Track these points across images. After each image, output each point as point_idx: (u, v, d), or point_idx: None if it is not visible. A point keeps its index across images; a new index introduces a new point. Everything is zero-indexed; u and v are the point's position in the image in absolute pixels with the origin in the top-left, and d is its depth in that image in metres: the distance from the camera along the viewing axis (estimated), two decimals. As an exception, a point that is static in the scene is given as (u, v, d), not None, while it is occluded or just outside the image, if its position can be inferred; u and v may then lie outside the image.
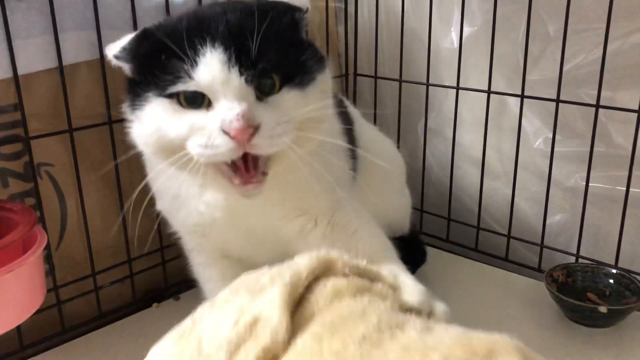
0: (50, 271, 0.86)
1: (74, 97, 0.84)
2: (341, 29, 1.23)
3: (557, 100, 0.94)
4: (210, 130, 0.56)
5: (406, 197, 1.00)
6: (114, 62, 0.63)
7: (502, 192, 1.13)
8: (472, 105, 1.11)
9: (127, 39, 0.62)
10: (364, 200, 0.88)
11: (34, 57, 0.80)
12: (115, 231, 0.93)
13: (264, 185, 0.60)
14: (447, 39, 1.13)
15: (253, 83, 0.57)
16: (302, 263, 0.47)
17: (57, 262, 0.87)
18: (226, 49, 0.56)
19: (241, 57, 0.56)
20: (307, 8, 0.64)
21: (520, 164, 1.04)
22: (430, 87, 1.11)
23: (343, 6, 1.22)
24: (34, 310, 0.70)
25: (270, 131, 0.56)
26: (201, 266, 0.81)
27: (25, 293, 0.68)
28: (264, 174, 0.60)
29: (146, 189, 0.95)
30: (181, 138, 0.58)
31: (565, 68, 0.93)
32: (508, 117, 1.09)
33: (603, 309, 0.84)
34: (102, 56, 0.85)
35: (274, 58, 0.58)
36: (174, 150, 0.59)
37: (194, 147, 0.57)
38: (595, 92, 0.91)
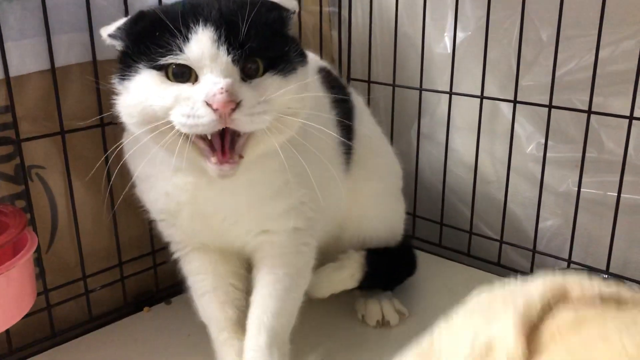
0: (40, 274, 0.85)
1: (65, 99, 0.84)
2: (335, 34, 1.23)
3: (550, 106, 0.95)
4: (194, 101, 0.59)
5: (400, 204, 1.00)
6: (108, 41, 0.66)
7: (494, 197, 1.13)
8: (465, 110, 1.11)
9: (122, 20, 0.65)
10: (355, 199, 0.88)
11: (25, 58, 0.79)
12: (107, 234, 0.93)
13: (238, 168, 0.63)
14: (441, 44, 1.13)
15: (239, 63, 0.60)
16: (536, 291, 0.44)
17: (48, 265, 0.87)
18: (217, 28, 0.60)
19: (230, 38, 0.60)
20: (295, 10, 0.67)
21: (513, 168, 1.04)
22: (423, 92, 1.12)
23: (337, 11, 1.22)
24: (24, 314, 0.70)
25: (251, 108, 0.59)
26: (181, 259, 0.82)
27: (15, 296, 0.67)
28: (240, 156, 0.63)
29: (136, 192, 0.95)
30: (166, 108, 0.61)
31: (557, 74, 0.93)
32: (500, 122, 1.09)
33: (594, 314, 0.84)
34: (94, 58, 0.85)
35: (260, 43, 0.62)
36: (157, 120, 0.61)
37: (177, 116, 0.60)
38: (587, 98, 0.91)
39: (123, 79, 0.64)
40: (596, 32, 0.87)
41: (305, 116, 0.67)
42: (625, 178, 0.90)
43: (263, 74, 0.62)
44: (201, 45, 0.60)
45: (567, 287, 0.44)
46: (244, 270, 0.82)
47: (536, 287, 0.45)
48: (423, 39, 1.09)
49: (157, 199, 0.74)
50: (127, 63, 0.64)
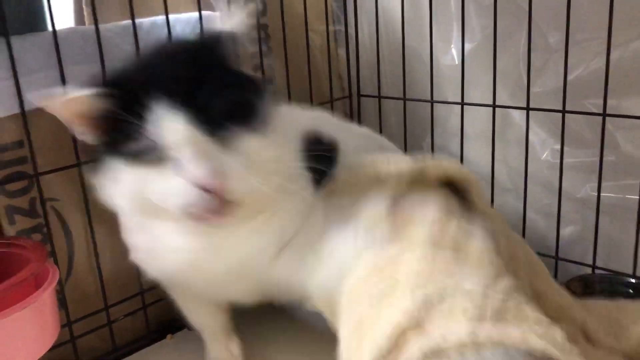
0: (62, 306, 0.85)
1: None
2: (341, 52, 1.24)
3: (563, 111, 0.94)
4: (188, 193, 0.57)
5: None
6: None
7: (511, 205, 1.12)
8: (475, 120, 1.11)
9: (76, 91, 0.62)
10: None
11: (35, 93, 0.80)
12: (125, 263, 0.93)
13: (235, 215, 0.61)
14: (448, 55, 1.13)
15: (212, 133, 0.58)
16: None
17: (67, 297, 0.87)
18: (186, 107, 0.57)
19: (199, 115, 0.58)
20: (239, 30, 0.65)
21: (529, 176, 1.04)
22: (434, 105, 1.11)
23: (343, 29, 1.23)
24: (48, 347, 0.69)
25: (239, 178, 0.58)
26: (192, 314, 0.84)
27: (39, 329, 0.67)
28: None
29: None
30: (162, 200, 0.60)
31: (567, 79, 0.93)
32: (512, 130, 1.09)
33: (624, 318, 0.82)
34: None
35: (226, 105, 0.60)
36: (154, 206, 0.61)
37: (175, 208, 0.59)
38: (599, 101, 0.91)
39: (101, 173, 0.64)
40: (603, 35, 0.87)
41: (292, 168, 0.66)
42: (644, 179, 0.90)
43: (236, 133, 0.60)
44: (174, 131, 0.57)
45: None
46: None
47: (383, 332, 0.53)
48: (431, 51, 1.09)
49: (160, 264, 0.72)
50: (100, 157, 0.63)
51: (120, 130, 0.59)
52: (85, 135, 0.64)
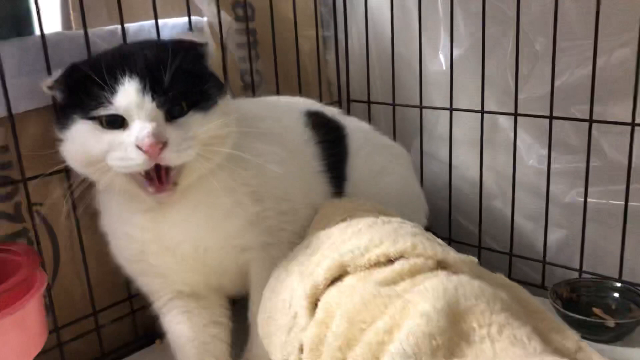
0: (50, 312, 0.85)
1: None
2: (330, 57, 1.25)
3: (551, 117, 0.95)
4: (126, 145, 0.66)
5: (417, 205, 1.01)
6: (48, 92, 0.74)
7: (499, 211, 1.13)
8: (463, 126, 1.12)
9: (58, 73, 0.72)
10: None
11: (22, 97, 0.79)
12: (113, 268, 0.92)
13: (174, 194, 0.70)
14: (436, 61, 1.14)
15: (164, 107, 0.67)
16: (320, 273, 0.64)
17: (54, 302, 0.86)
18: (141, 79, 0.66)
19: (155, 86, 0.66)
20: (207, 42, 0.75)
21: (516, 182, 1.04)
22: (422, 110, 1.12)
23: (332, 35, 1.23)
24: (36, 353, 0.69)
25: (177, 146, 0.66)
26: (160, 311, 0.84)
27: (26, 336, 0.67)
28: (175, 184, 0.70)
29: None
30: (102, 153, 0.67)
31: (554, 85, 0.94)
32: (499, 136, 1.10)
33: (610, 323, 0.83)
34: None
35: (182, 87, 0.68)
36: (96, 164, 0.69)
37: (112, 160, 0.67)
38: (585, 107, 0.92)
39: (62, 129, 0.71)
40: (589, 41, 0.88)
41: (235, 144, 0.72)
42: (631, 185, 0.90)
43: (187, 112, 0.69)
44: (127, 96, 0.66)
45: (343, 263, 0.63)
46: (227, 320, 0.84)
47: (319, 273, 0.64)
48: (420, 57, 1.10)
49: (120, 246, 0.79)
50: (65, 114, 0.71)
51: (89, 94, 0.67)
52: (60, 97, 0.73)
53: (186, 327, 0.81)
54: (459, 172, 1.15)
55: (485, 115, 1.04)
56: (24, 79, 0.79)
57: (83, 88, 0.68)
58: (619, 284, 0.92)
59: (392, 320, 0.54)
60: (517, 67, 0.97)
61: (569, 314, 0.86)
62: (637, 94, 0.86)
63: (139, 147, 0.65)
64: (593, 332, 0.85)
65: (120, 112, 0.66)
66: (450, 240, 1.15)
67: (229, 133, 0.72)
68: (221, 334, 0.83)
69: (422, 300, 0.55)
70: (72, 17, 0.98)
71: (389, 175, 0.97)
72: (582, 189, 0.96)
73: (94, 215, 0.89)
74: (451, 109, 1.07)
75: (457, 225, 1.17)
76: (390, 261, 0.62)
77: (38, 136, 0.82)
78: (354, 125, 0.97)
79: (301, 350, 0.62)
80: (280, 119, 0.87)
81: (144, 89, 0.66)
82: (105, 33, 0.87)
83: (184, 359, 0.81)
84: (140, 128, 0.65)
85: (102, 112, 0.67)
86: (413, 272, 0.60)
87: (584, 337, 0.85)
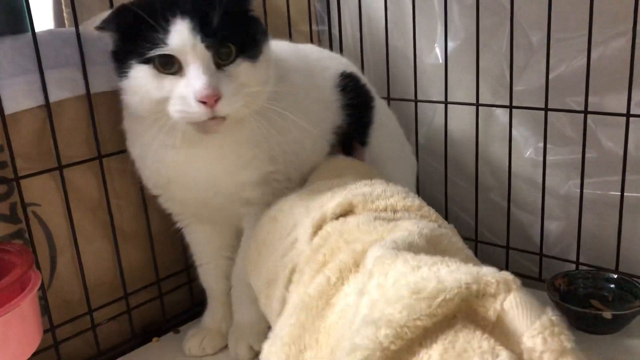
0: (45, 311, 0.84)
1: (58, 135, 0.83)
2: (326, 52, 1.24)
3: (546, 109, 0.95)
4: (186, 98, 0.68)
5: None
6: (96, 33, 0.74)
7: (496, 203, 1.13)
8: (460, 119, 1.11)
9: (105, 13, 0.72)
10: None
11: (16, 96, 0.79)
12: (109, 267, 0.92)
13: (222, 125, 0.72)
14: (432, 54, 1.14)
15: (213, 49, 0.69)
16: (329, 207, 0.68)
17: (50, 302, 0.86)
18: (192, 19, 0.68)
19: (204, 27, 0.68)
20: None
21: (513, 174, 1.04)
22: (417, 103, 1.12)
23: (327, 29, 1.23)
24: (31, 352, 0.69)
25: (229, 99, 0.69)
26: (183, 230, 0.92)
27: (21, 335, 0.66)
28: (223, 118, 0.72)
29: (139, 221, 0.95)
30: (163, 100, 0.70)
31: (549, 77, 0.94)
32: (496, 128, 1.10)
33: (607, 314, 0.83)
34: (88, 91, 0.85)
35: (231, 29, 0.70)
36: (158, 109, 0.71)
37: (175, 112, 0.69)
38: (581, 99, 0.92)
39: (121, 76, 0.72)
40: (584, 33, 0.88)
41: (270, 94, 0.75)
42: (626, 176, 0.90)
43: (235, 58, 0.71)
44: (180, 36, 0.67)
45: (352, 203, 0.68)
46: (238, 240, 0.89)
47: (330, 205, 0.68)
48: (415, 50, 1.09)
49: (150, 176, 0.82)
50: (120, 60, 0.72)
51: (142, 37, 0.69)
52: (114, 42, 0.74)
53: (204, 250, 0.91)
54: (456, 165, 1.15)
55: (482, 107, 1.03)
56: (17, 78, 0.79)
57: (135, 29, 0.69)
58: (615, 275, 0.92)
59: (378, 235, 0.60)
60: (511, 60, 0.97)
61: (567, 306, 0.86)
62: (632, 85, 0.85)
63: (198, 100, 0.67)
64: (591, 324, 0.85)
65: (174, 52, 0.68)
66: (447, 234, 1.14)
67: (269, 83, 0.75)
68: (233, 255, 0.90)
69: (410, 225, 0.61)
70: (64, 14, 0.97)
71: (396, 165, 0.98)
72: (579, 181, 0.96)
73: (91, 213, 0.89)
74: (446, 102, 1.07)
75: (456, 218, 1.17)
76: (395, 211, 0.67)
77: (32, 135, 0.82)
78: (382, 104, 1.00)
79: (291, 272, 0.65)
80: (313, 75, 0.88)
81: (194, 29, 0.67)
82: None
83: (202, 276, 0.93)
84: (196, 77, 0.67)
85: (158, 51, 0.68)
86: (411, 218, 0.65)
87: (582, 329, 0.86)
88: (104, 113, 0.87)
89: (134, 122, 0.80)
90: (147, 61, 0.69)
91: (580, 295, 0.92)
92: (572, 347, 0.45)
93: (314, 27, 1.19)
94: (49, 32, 0.84)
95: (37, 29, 0.79)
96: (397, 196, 0.69)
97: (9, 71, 0.78)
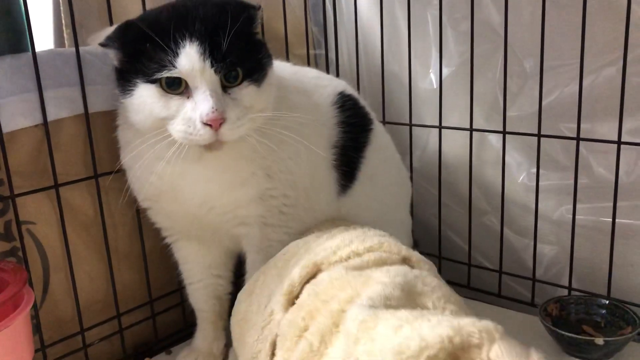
0: (37, 330, 0.84)
1: (55, 153, 0.83)
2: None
3: (539, 135, 0.96)
4: (193, 121, 0.68)
5: (407, 225, 1.02)
6: (100, 49, 0.74)
7: (489, 227, 1.14)
8: (454, 144, 1.12)
9: (110, 29, 0.71)
10: (357, 215, 0.90)
11: (14, 115, 0.80)
12: (102, 286, 0.92)
13: (222, 147, 0.72)
14: (426, 79, 1.15)
15: (222, 73, 0.69)
16: (296, 275, 0.67)
17: (42, 321, 0.85)
18: (202, 43, 0.68)
19: (213, 51, 0.68)
20: (260, 6, 0.76)
21: (506, 198, 1.05)
22: (412, 128, 1.13)
23: (324, 53, 1.24)
24: (21, 372, 0.68)
25: (233, 124, 0.70)
26: (172, 246, 0.91)
27: (13, 354, 0.66)
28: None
29: (133, 240, 0.95)
30: (169, 118, 0.70)
31: (542, 103, 0.95)
32: (489, 153, 1.11)
33: (599, 340, 0.83)
34: (86, 110, 0.85)
35: (239, 54, 0.70)
36: (160, 125, 0.71)
37: (177, 132, 0.70)
38: (573, 125, 0.93)
39: (125, 94, 0.72)
40: (577, 61, 0.89)
41: (271, 114, 0.75)
42: (617, 203, 0.91)
43: (241, 82, 0.71)
44: (190, 60, 0.68)
45: (316, 262, 0.68)
46: (229, 258, 0.91)
47: (295, 272, 0.67)
48: (410, 75, 1.11)
49: (141, 186, 0.81)
50: (124, 78, 0.72)
51: (148, 56, 0.69)
52: (118, 60, 0.73)
53: (193, 268, 0.90)
54: (450, 189, 1.16)
55: (475, 132, 1.05)
56: (16, 96, 0.79)
57: (140, 47, 0.69)
58: (607, 301, 0.92)
59: (353, 291, 0.60)
60: (505, 86, 0.98)
61: (559, 332, 0.86)
62: (623, 113, 0.87)
63: (204, 124, 0.68)
64: (583, 349, 0.85)
65: (182, 75, 0.68)
66: (439, 258, 1.15)
67: (269, 104, 0.76)
68: (224, 272, 0.91)
69: (383, 276, 0.61)
70: (65, 34, 0.98)
71: (392, 191, 0.98)
72: (571, 206, 0.97)
73: (85, 232, 0.89)
74: (440, 127, 1.08)
75: (449, 242, 1.18)
76: (359, 256, 0.68)
77: (29, 154, 0.82)
78: (381, 129, 1.00)
79: (273, 344, 0.64)
80: (311, 94, 0.89)
81: (204, 53, 0.68)
82: (98, 51, 0.87)
83: (191, 295, 0.92)
84: (203, 101, 0.68)
85: (166, 73, 0.68)
86: (379, 263, 0.66)
87: (574, 355, 0.86)
88: (101, 133, 0.88)
89: (127, 132, 0.80)
90: (153, 81, 0.69)
91: (572, 321, 0.92)
92: None
93: (311, 51, 1.20)
94: (49, 52, 0.85)
95: (37, 49, 0.80)
96: (356, 241, 0.69)
97: (8, 90, 0.79)
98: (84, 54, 0.85)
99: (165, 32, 0.68)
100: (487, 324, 0.49)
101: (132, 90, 0.71)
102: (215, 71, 0.68)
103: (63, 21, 0.96)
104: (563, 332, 0.86)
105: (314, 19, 1.25)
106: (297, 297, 0.65)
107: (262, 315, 0.69)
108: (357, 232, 0.73)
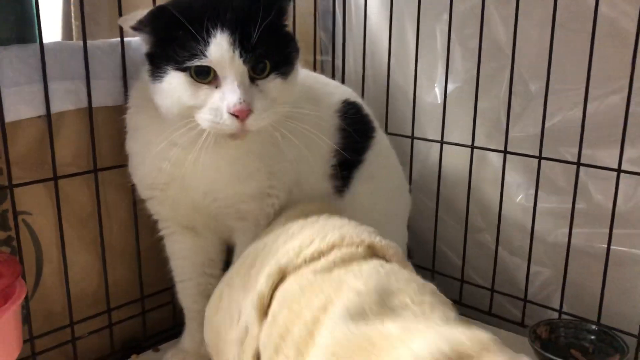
0: (26, 320, 0.84)
1: (56, 145, 0.83)
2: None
3: (540, 157, 0.96)
4: (221, 111, 0.69)
5: (403, 237, 1.02)
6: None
7: (484, 245, 1.14)
8: (454, 159, 1.12)
9: (142, 12, 0.71)
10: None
11: (17, 105, 0.79)
12: (94, 280, 0.92)
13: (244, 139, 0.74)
14: (431, 93, 1.15)
15: (250, 64, 0.69)
16: (263, 284, 0.66)
17: (32, 311, 0.85)
18: (232, 33, 0.68)
19: (243, 42, 0.68)
20: None
21: (503, 217, 1.05)
22: (414, 140, 1.13)
23: (330, 60, 1.24)
24: (9, 364, 0.68)
25: (259, 115, 0.70)
26: (166, 239, 0.90)
27: (1, 345, 0.66)
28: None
29: (128, 236, 0.95)
30: (197, 107, 0.71)
31: (545, 125, 0.95)
32: (489, 171, 1.11)
33: (586, 366, 0.84)
34: (90, 104, 0.85)
35: (267, 45, 0.71)
36: (189, 116, 0.71)
37: (204, 121, 0.70)
38: (574, 150, 0.93)
39: (155, 80, 0.72)
40: (582, 86, 0.90)
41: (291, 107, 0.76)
42: (614, 230, 0.91)
43: (268, 74, 0.72)
44: (220, 49, 0.68)
45: (281, 268, 0.66)
46: (220, 254, 0.91)
47: (262, 282, 0.66)
48: (415, 88, 1.11)
49: (148, 174, 0.80)
50: (154, 64, 0.73)
51: (180, 44, 0.69)
52: (150, 44, 0.73)
53: (185, 265, 0.89)
54: (448, 205, 1.16)
55: (476, 150, 1.05)
56: (20, 87, 0.79)
57: (172, 35, 0.69)
58: (596, 327, 0.93)
59: (327, 299, 0.59)
60: (509, 106, 0.98)
61: (547, 356, 0.86)
62: (625, 142, 0.87)
63: (231, 114, 0.69)
64: (570, 374, 0.86)
65: (212, 65, 0.69)
66: (433, 272, 1.15)
67: (293, 98, 0.76)
68: (215, 271, 0.90)
69: (355, 280, 0.60)
70: (73, 27, 0.98)
71: (392, 201, 0.98)
72: (567, 230, 0.97)
73: (80, 225, 0.89)
74: (442, 142, 1.08)
75: (444, 257, 1.18)
76: (324, 255, 0.67)
77: (29, 145, 0.82)
78: (385, 139, 1.00)
79: (256, 357, 0.64)
80: (319, 101, 0.89)
81: (234, 44, 0.68)
82: (105, 45, 0.87)
83: (180, 293, 0.91)
84: (232, 91, 0.69)
85: (196, 62, 0.68)
86: (346, 261, 0.65)
87: (560, 379, 0.86)
88: (104, 127, 0.88)
89: (138, 117, 0.80)
90: (183, 69, 0.70)
91: (561, 345, 0.93)
92: None
93: (318, 57, 1.20)
94: (57, 43, 0.85)
95: (45, 40, 0.80)
96: (317, 238, 0.68)
97: (13, 79, 0.79)
98: (92, 48, 0.85)
99: (198, 20, 0.68)
100: (480, 335, 0.49)
101: (162, 76, 0.71)
102: (244, 62, 0.69)
103: (72, 13, 0.96)
104: (551, 356, 0.86)
105: (323, 25, 1.25)
106: (269, 306, 0.65)
107: (237, 329, 0.68)
108: (315, 228, 0.71)
